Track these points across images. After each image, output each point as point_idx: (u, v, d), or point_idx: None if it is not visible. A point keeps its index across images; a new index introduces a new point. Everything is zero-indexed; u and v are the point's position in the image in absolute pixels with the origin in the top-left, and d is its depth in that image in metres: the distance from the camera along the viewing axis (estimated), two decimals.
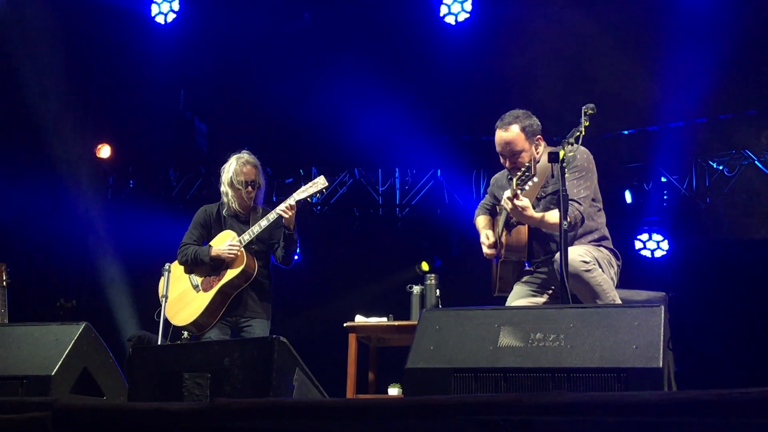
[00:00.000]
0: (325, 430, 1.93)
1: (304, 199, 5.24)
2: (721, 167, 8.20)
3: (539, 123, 4.50)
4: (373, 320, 5.82)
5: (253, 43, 8.64)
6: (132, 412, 2.23)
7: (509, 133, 4.40)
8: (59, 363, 3.75)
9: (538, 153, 4.41)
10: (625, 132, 8.41)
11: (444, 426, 1.87)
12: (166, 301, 5.09)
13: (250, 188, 5.34)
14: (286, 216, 5.14)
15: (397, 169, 9.19)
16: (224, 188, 5.40)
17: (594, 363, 2.94)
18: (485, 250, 4.53)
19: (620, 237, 5.09)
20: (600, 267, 4.17)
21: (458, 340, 3.20)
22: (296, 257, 5.50)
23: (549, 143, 4.54)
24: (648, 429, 1.71)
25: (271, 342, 3.32)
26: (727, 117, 8.01)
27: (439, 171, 9.09)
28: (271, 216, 5.18)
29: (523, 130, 4.39)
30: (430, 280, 5.80)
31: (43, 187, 8.42)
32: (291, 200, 5.19)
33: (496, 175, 4.83)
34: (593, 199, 4.39)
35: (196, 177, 9.19)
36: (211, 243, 5.34)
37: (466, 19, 8.38)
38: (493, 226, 4.69)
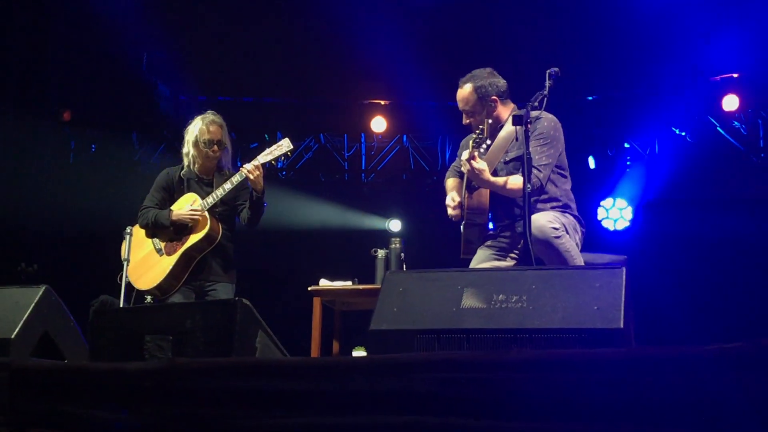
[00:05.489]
0: (282, 389, 1.93)
1: (269, 162, 5.17)
2: (683, 133, 8.27)
3: (504, 83, 4.47)
4: (338, 284, 5.82)
5: (218, 3, 8.51)
6: (90, 372, 2.21)
7: (462, 91, 4.44)
8: (19, 326, 3.73)
9: (495, 115, 4.40)
10: (589, 98, 8.45)
11: (403, 384, 1.88)
12: (127, 265, 5.03)
13: (216, 147, 5.21)
14: (252, 177, 4.99)
15: (362, 135, 9.16)
16: (187, 148, 5.26)
17: (556, 324, 2.97)
18: (449, 211, 4.48)
19: (583, 202, 5.12)
20: (567, 233, 4.19)
21: (421, 301, 3.21)
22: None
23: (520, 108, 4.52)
24: (604, 385, 1.73)
25: (233, 304, 3.31)
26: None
27: (404, 136, 9.09)
28: (236, 178, 5.08)
29: (476, 90, 4.39)
30: (395, 243, 5.80)
31: (3, 151, 8.28)
32: (257, 161, 5.07)
33: (465, 138, 4.81)
34: (559, 167, 4.39)
35: (159, 141, 9.07)
36: (172, 207, 5.21)
37: None
38: (460, 188, 4.68)
